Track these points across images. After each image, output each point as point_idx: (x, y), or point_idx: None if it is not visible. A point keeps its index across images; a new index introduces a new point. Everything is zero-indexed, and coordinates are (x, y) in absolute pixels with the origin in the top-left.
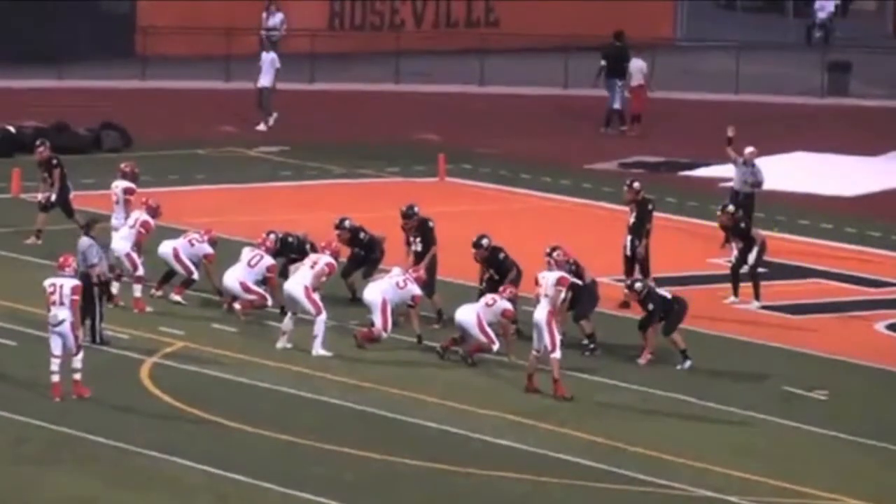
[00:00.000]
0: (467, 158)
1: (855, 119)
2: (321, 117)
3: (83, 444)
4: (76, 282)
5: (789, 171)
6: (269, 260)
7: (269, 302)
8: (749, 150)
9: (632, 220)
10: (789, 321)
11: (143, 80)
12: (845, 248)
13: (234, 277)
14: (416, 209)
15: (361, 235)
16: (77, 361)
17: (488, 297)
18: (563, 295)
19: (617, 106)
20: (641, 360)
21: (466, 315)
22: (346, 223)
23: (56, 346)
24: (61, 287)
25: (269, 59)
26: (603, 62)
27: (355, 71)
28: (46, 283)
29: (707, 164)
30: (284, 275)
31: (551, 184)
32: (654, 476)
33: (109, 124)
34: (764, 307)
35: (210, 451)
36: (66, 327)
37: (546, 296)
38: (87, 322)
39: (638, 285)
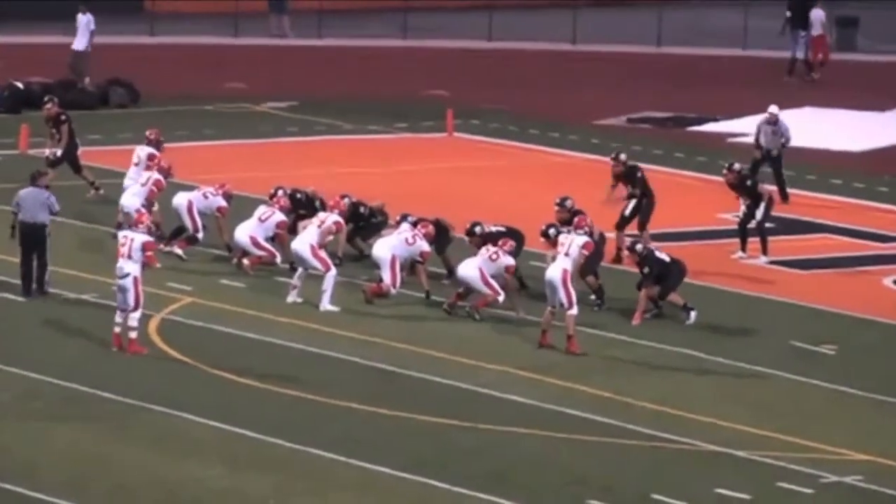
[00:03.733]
0: (476, 114)
1: (863, 74)
2: (329, 73)
3: (92, 399)
4: (149, 238)
5: (798, 127)
6: (279, 216)
7: (278, 258)
8: (772, 108)
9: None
10: (798, 276)
11: (151, 37)
12: (854, 203)
13: (245, 232)
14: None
15: (361, 210)
16: (133, 319)
17: (491, 251)
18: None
19: (800, 55)
20: (634, 321)
21: (469, 270)
22: (346, 200)
23: (121, 299)
24: (132, 241)
25: (84, 21)
26: (788, 13)
27: (363, 27)
28: (120, 234)
29: (715, 120)
30: (293, 231)
31: (559, 139)
32: (663, 431)
33: (117, 80)
34: (772, 262)
35: (218, 406)
36: (129, 281)
37: (566, 255)
38: (38, 272)
39: (639, 247)
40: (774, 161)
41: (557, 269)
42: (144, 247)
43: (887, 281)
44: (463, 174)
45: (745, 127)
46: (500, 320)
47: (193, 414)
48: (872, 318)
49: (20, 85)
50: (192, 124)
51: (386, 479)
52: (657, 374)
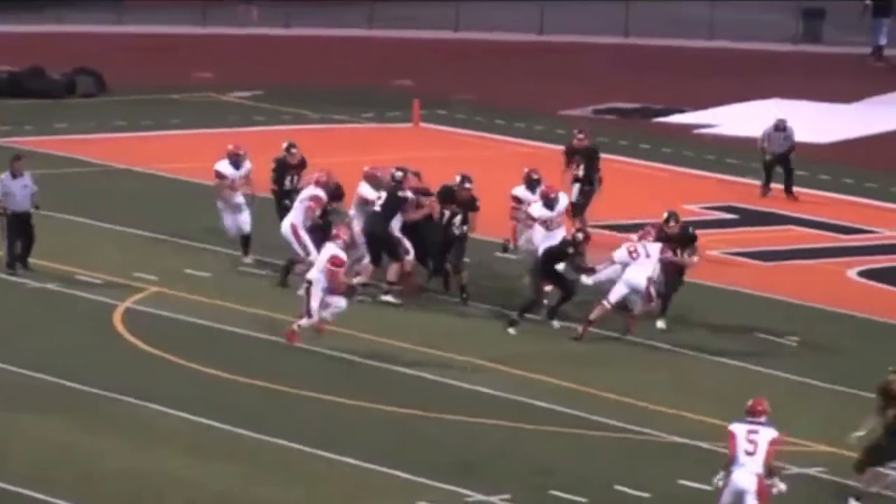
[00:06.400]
0: (442, 104)
1: (829, 66)
2: (296, 62)
3: (57, 389)
4: (339, 253)
5: (764, 118)
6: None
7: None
8: (779, 118)
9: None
10: (762, 267)
11: (118, 26)
12: (819, 194)
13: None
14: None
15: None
16: (306, 319)
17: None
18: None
19: (883, 42)
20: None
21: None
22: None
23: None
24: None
25: None
26: (868, 1)
27: (330, 16)
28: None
29: (681, 111)
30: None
31: (526, 129)
32: (627, 422)
33: (83, 69)
34: (737, 253)
35: (184, 396)
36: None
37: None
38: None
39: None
40: (786, 162)
41: (642, 276)
42: (331, 260)
43: (851, 273)
44: (429, 164)
45: (711, 118)
46: (465, 310)
47: (159, 404)
48: (836, 309)
49: None
50: (158, 114)
51: (350, 469)
52: (621, 365)
